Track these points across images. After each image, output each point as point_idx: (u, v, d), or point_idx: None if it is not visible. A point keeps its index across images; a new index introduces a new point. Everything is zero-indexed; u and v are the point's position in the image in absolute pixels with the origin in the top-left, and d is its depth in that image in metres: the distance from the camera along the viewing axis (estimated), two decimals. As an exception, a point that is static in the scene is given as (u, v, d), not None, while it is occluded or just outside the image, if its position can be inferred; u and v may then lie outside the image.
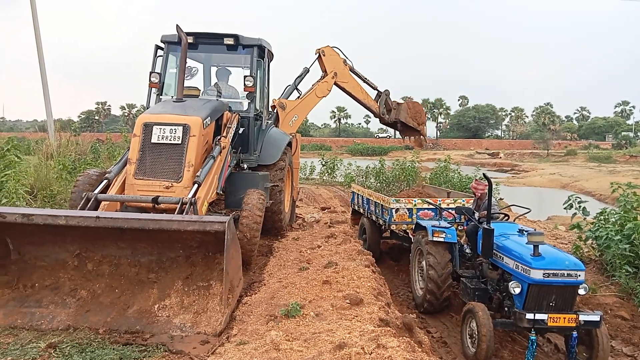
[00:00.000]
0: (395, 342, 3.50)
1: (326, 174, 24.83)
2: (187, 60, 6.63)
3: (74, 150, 12.45)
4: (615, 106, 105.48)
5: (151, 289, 4.51)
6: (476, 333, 5.32)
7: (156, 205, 5.22)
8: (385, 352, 3.35)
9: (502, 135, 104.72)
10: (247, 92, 7.16)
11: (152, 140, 5.58)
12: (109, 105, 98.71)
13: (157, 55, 7.36)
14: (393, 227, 8.36)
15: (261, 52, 7.69)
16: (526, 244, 5.51)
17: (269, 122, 8.42)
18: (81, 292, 4.48)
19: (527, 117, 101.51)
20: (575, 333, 5.23)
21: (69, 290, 4.49)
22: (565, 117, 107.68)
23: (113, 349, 3.66)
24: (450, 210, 7.72)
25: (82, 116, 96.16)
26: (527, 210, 7.16)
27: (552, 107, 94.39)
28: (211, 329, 4.14)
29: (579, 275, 5.19)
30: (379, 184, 17.23)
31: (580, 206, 8.34)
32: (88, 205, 5.09)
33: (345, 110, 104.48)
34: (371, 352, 3.37)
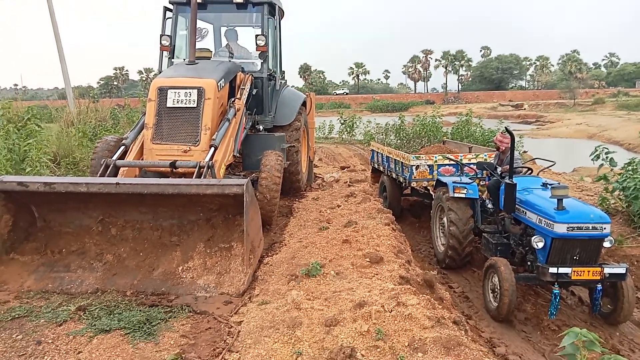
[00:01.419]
0: (415, 300, 3.51)
1: (345, 133, 24.61)
2: (197, 21, 6.49)
3: (94, 116, 12.57)
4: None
5: (174, 252, 4.61)
6: (498, 288, 5.31)
7: (174, 170, 5.25)
8: (405, 310, 3.37)
9: (527, 86, 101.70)
10: (259, 52, 7.01)
11: (168, 105, 5.56)
12: (127, 70, 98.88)
13: (166, 17, 7.22)
14: (413, 184, 8.28)
15: (272, 10, 7.47)
16: (550, 197, 5.40)
17: (282, 82, 8.28)
18: (107, 257, 4.60)
19: (553, 65, 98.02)
20: (599, 286, 5.18)
21: (95, 254, 4.62)
22: (593, 64, 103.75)
23: (140, 310, 3.77)
24: (471, 166, 7.59)
25: (101, 82, 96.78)
26: (552, 163, 6.98)
27: (579, 55, 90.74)
28: (234, 289, 4.22)
29: (604, 228, 5.08)
30: (399, 141, 17.00)
31: (607, 157, 8.09)
32: (107, 172, 5.14)
33: (364, 66, 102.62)
34: (391, 310, 3.39)
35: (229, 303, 3.98)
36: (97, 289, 4.23)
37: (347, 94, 79.75)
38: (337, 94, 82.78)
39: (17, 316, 3.68)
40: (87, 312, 3.74)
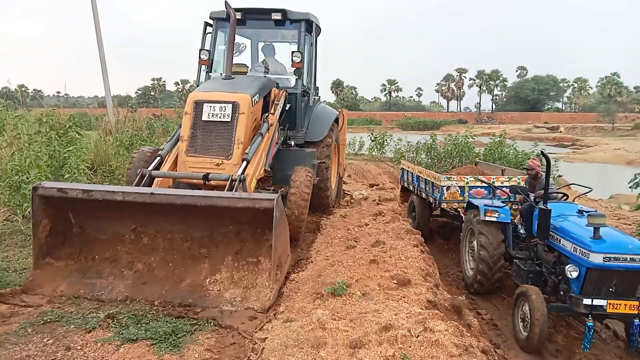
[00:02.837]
0: (443, 326, 3.44)
1: (375, 150, 24.54)
2: (236, 36, 6.63)
3: (131, 126, 12.89)
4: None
5: (203, 264, 4.65)
6: (529, 317, 5.16)
7: (207, 182, 5.33)
8: (433, 336, 3.30)
9: (563, 108, 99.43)
10: (294, 68, 7.10)
11: (203, 118, 5.67)
12: (164, 81, 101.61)
13: (206, 32, 7.42)
14: (444, 205, 8.17)
15: (309, 27, 7.58)
16: (586, 225, 5.24)
17: (316, 98, 8.35)
18: (138, 265, 4.68)
19: (591, 88, 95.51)
20: (637, 320, 4.97)
21: (126, 262, 4.71)
22: (634, 87, 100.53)
23: (166, 321, 3.82)
24: (504, 189, 7.44)
25: (139, 92, 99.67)
26: (588, 190, 6.79)
27: (619, 77, 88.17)
28: (260, 304, 4.23)
29: (644, 261, 4.89)
30: (429, 160, 16.83)
31: (647, 185, 7.81)
32: (143, 182, 5.26)
33: (397, 83, 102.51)
34: (418, 335, 3.33)
35: (254, 319, 3.98)
36: (126, 297, 4.30)
37: None
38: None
39: (48, 321, 3.77)
40: (115, 320, 3.80)
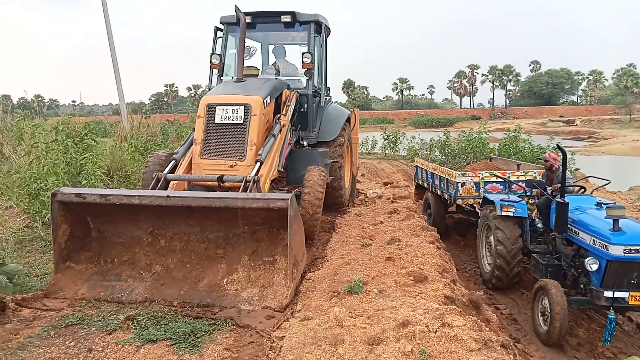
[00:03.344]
0: (461, 321, 3.42)
1: (388, 148, 24.49)
2: (246, 40, 6.68)
3: (145, 132, 13.07)
4: None
5: (220, 264, 4.70)
6: (549, 311, 5.09)
7: (221, 184, 5.38)
8: (451, 331, 3.29)
9: (579, 101, 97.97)
10: (305, 69, 7.13)
11: (216, 121, 5.73)
12: (177, 87, 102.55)
13: (217, 36, 7.48)
14: (459, 201, 8.12)
15: (318, 28, 7.60)
16: (605, 218, 5.16)
17: (327, 98, 8.36)
18: (156, 267, 4.74)
19: (607, 80, 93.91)
20: (660, 312, 4.88)
21: (144, 265, 4.77)
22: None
23: (185, 322, 3.86)
24: (520, 184, 7.36)
25: (152, 98, 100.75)
26: (607, 182, 6.68)
27: (635, 69, 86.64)
28: (277, 302, 4.25)
29: (665, 252, 4.80)
30: (443, 157, 16.74)
31: (667, 176, 7.66)
32: (158, 185, 5.33)
33: (408, 81, 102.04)
34: (436, 331, 3.32)
35: (271, 318, 4.01)
36: (145, 298, 4.36)
37: None
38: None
39: (70, 323, 3.84)
40: (135, 322, 3.85)
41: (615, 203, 5.71)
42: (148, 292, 4.45)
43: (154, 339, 3.55)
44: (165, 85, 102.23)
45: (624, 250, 4.84)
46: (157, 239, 4.90)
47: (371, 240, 6.14)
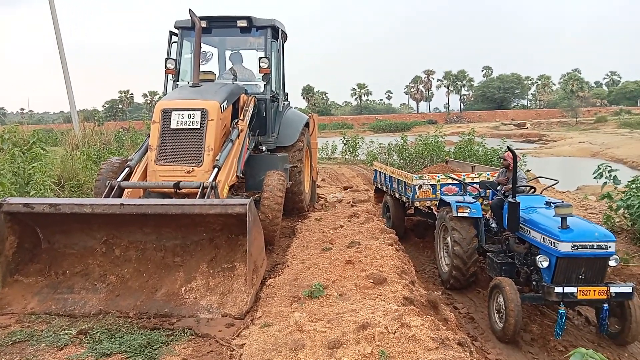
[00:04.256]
0: (419, 321, 3.47)
1: (348, 153, 24.72)
2: (202, 45, 6.60)
3: (98, 139, 12.68)
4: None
5: (177, 272, 4.60)
6: (504, 308, 5.25)
7: (178, 190, 5.28)
8: (409, 332, 3.33)
9: (529, 105, 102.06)
10: (262, 74, 7.11)
11: (172, 126, 5.62)
12: (132, 94, 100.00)
13: (172, 41, 7.36)
14: (417, 204, 8.27)
15: (275, 33, 7.60)
16: (554, 216, 5.38)
17: (285, 103, 8.37)
18: (110, 278, 4.60)
19: (554, 84, 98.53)
20: (606, 305, 5.12)
21: (98, 276, 4.62)
22: (595, 82, 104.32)
23: (141, 333, 3.75)
24: (474, 185, 7.58)
25: (106, 105, 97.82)
26: (555, 182, 6.98)
27: (580, 73, 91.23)
28: (237, 309, 4.20)
29: (609, 247, 5.05)
30: (401, 161, 17.05)
31: (610, 175, 8.07)
32: (112, 193, 5.17)
33: (366, 87, 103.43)
34: (395, 332, 3.36)
35: (231, 325, 3.95)
36: (100, 311, 4.21)
37: None
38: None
39: (17, 340, 3.65)
40: (88, 336, 3.71)
41: (563, 202, 5.96)
42: (102, 304, 4.30)
43: (109, 352, 3.43)
44: (120, 92, 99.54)
45: (572, 247, 5.05)
46: (112, 249, 4.75)
47: (331, 244, 6.16)
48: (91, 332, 3.76)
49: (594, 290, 5.02)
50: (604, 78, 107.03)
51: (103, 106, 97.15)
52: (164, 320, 4.05)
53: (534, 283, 5.58)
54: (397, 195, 8.96)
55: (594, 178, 8.35)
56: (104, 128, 14.94)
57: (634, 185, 7.87)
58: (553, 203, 5.90)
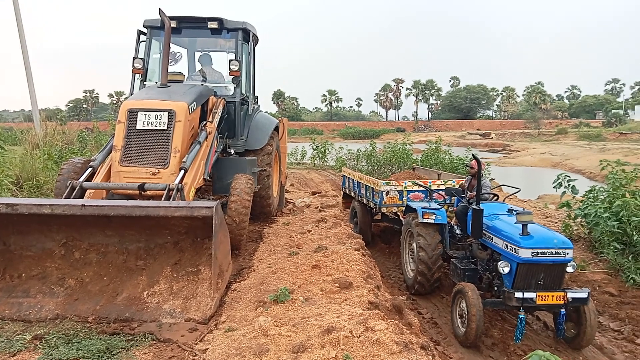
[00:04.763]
0: (384, 325, 3.50)
1: (317, 159, 24.79)
2: (171, 45, 6.51)
3: (61, 139, 12.29)
4: (606, 84, 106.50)
5: (140, 276, 4.50)
6: (466, 313, 5.35)
7: (142, 192, 5.17)
8: (374, 335, 3.36)
9: (494, 116, 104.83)
10: (232, 77, 7.06)
11: (137, 127, 5.51)
12: (97, 93, 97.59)
13: (140, 40, 7.23)
14: (384, 209, 8.36)
15: (246, 36, 7.57)
16: (515, 223, 5.52)
17: (255, 106, 8.33)
18: (69, 281, 4.45)
19: (519, 96, 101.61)
20: (563, 310, 5.28)
21: (56, 279, 4.47)
22: (556, 95, 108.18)
23: (100, 339, 3.64)
24: (440, 192, 7.72)
25: (70, 105, 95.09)
26: (517, 190, 7.17)
27: (542, 86, 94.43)
28: (201, 313, 4.14)
29: (567, 254, 5.22)
30: (370, 167, 17.21)
31: (569, 185, 8.38)
32: (73, 194, 5.02)
33: (337, 93, 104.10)
34: (359, 336, 3.38)
35: (194, 330, 3.89)
36: (57, 315, 4.08)
37: None
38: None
39: (-33, 346, 3.50)
40: (43, 341, 3.58)
41: (524, 210, 6.13)
42: (60, 309, 4.16)
43: (65, 358, 3.32)
44: (85, 91, 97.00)
45: (532, 253, 5.19)
46: (71, 251, 4.60)
47: (298, 248, 6.15)
48: (47, 337, 3.64)
49: (552, 296, 5.18)
50: (565, 91, 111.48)
51: (67, 105, 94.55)
52: (124, 325, 3.95)
53: (496, 288, 5.71)
54: (364, 201, 9.02)
55: (554, 187, 8.65)
56: (66, 128, 14.50)
57: (590, 195, 8.18)
58: (515, 211, 6.06)
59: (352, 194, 9.85)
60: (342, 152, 22.67)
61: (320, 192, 13.47)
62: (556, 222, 9.38)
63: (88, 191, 5.21)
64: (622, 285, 6.68)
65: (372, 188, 8.48)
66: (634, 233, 6.78)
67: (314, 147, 24.98)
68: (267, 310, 4.10)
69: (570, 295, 5.16)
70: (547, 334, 5.89)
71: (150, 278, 4.46)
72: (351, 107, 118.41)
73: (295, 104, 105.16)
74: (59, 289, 4.38)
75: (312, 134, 46.30)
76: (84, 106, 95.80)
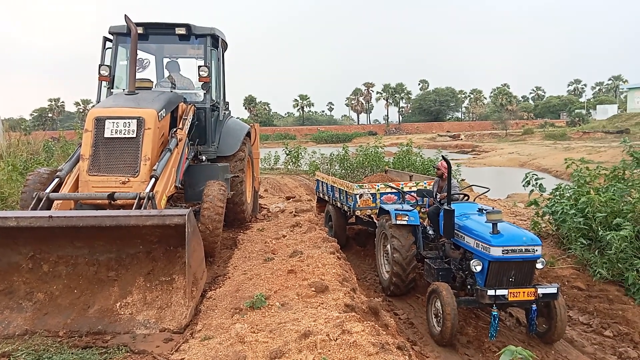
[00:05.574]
0: (360, 327, 3.52)
1: (291, 163, 24.77)
2: (138, 52, 6.42)
3: (25, 150, 11.95)
4: (568, 85, 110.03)
5: (112, 287, 4.42)
6: (441, 312, 5.42)
7: (112, 202, 5.06)
8: (350, 338, 3.37)
9: (463, 117, 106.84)
10: (202, 83, 7.01)
11: (105, 135, 5.40)
12: (63, 102, 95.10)
13: (106, 47, 7.10)
14: (358, 212, 8.40)
15: (215, 42, 7.52)
16: (485, 222, 5.63)
17: (226, 112, 8.28)
18: (38, 295, 4.33)
19: (486, 98, 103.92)
20: (534, 306, 5.41)
21: (24, 294, 4.34)
22: (522, 97, 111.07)
23: (72, 353, 3.56)
24: (412, 194, 7.81)
25: (35, 114, 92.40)
26: (487, 190, 7.33)
27: (509, 88, 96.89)
28: (176, 323, 4.08)
29: (536, 250, 5.35)
30: (343, 171, 17.27)
31: (537, 183, 8.59)
32: (40, 205, 4.88)
33: (308, 98, 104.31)
34: (336, 339, 3.39)
35: (169, 340, 3.83)
36: (25, 331, 3.96)
37: None
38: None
39: None
40: (12, 358, 3.47)
41: (494, 209, 6.27)
42: (28, 324, 4.04)
43: (35, 374, 3.23)
44: (50, 100, 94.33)
45: (502, 251, 5.31)
46: (39, 264, 4.48)
47: (274, 254, 6.13)
48: (15, 354, 3.52)
49: (523, 292, 5.30)
50: (530, 93, 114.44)
51: (31, 115, 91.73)
52: (97, 338, 3.87)
53: (469, 287, 5.81)
54: (338, 205, 9.06)
55: (523, 186, 8.86)
56: (31, 138, 14.11)
57: (557, 193, 8.42)
58: (485, 210, 6.18)
59: (326, 198, 9.88)
60: (315, 156, 22.70)
61: (294, 197, 13.45)
62: (525, 220, 9.62)
63: (55, 202, 5.07)
64: (590, 280, 6.89)
65: (346, 191, 8.53)
66: (599, 229, 7.00)
67: (287, 152, 24.96)
68: (244, 317, 4.07)
69: (540, 291, 5.29)
70: (520, 329, 6.03)
71: (122, 289, 4.38)
72: (323, 111, 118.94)
73: (267, 109, 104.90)
74: (27, 303, 4.25)
75: (285, 139, 46.27)
76: (50, 115, 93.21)
